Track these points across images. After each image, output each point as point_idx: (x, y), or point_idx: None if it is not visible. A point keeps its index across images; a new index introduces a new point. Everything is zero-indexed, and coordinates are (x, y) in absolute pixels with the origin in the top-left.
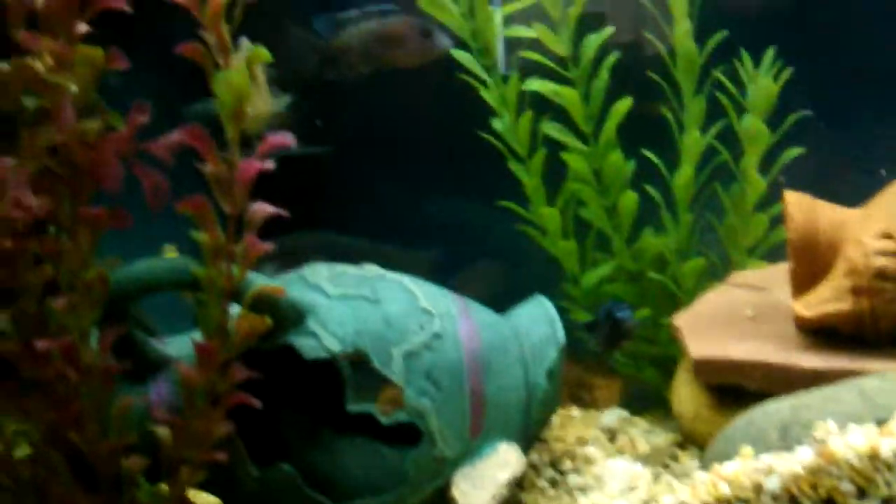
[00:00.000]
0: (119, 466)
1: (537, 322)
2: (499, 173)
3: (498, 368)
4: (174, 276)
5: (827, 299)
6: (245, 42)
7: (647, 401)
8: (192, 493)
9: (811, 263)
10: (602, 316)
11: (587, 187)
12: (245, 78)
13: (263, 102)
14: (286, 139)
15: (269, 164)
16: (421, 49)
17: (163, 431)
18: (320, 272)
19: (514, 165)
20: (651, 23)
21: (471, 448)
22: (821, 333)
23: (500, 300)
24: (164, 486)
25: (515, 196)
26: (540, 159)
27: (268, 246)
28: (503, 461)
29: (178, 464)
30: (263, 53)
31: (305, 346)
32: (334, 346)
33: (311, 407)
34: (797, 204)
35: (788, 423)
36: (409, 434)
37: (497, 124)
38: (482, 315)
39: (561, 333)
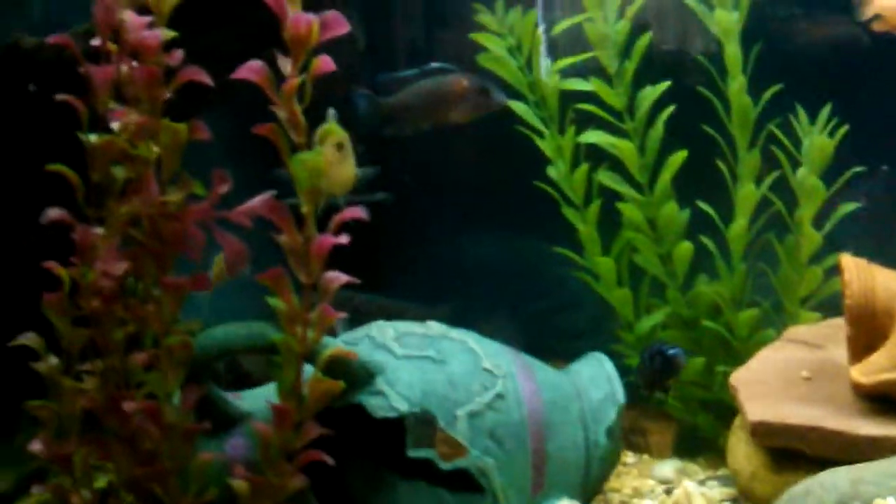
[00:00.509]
0: None
1: (597, 380)
2: (552, 219)
3: (559, 427)
4: (252, 340)
5: (884, 367)
6: (332, 113)
7: (701, 445)
8: None
9: (868, 329)
10: (650, 354)
11: (642, 236)
12: (320, 157)
13: (349, 168)
14: (361, 213)
15: (344, 239)
16: (478, 106)
17: (240, 486)
18: (386, 331)
19: (568, 212)
20: (695, 31)
21: None
22: (877, 399)
23: (554, 343)
24: None
25: (568, 240)
26: (595, 209)
27: (342, 314)
28: None
29: None
30: (337, 130)
31: (374, 405)
32: (402, 406)
33: (374, 452)
34: (854, 270)
35: (847, 497)
36: (469, 481)
37: (552, 172)
38: (543, 374)
39: (620, 393)
